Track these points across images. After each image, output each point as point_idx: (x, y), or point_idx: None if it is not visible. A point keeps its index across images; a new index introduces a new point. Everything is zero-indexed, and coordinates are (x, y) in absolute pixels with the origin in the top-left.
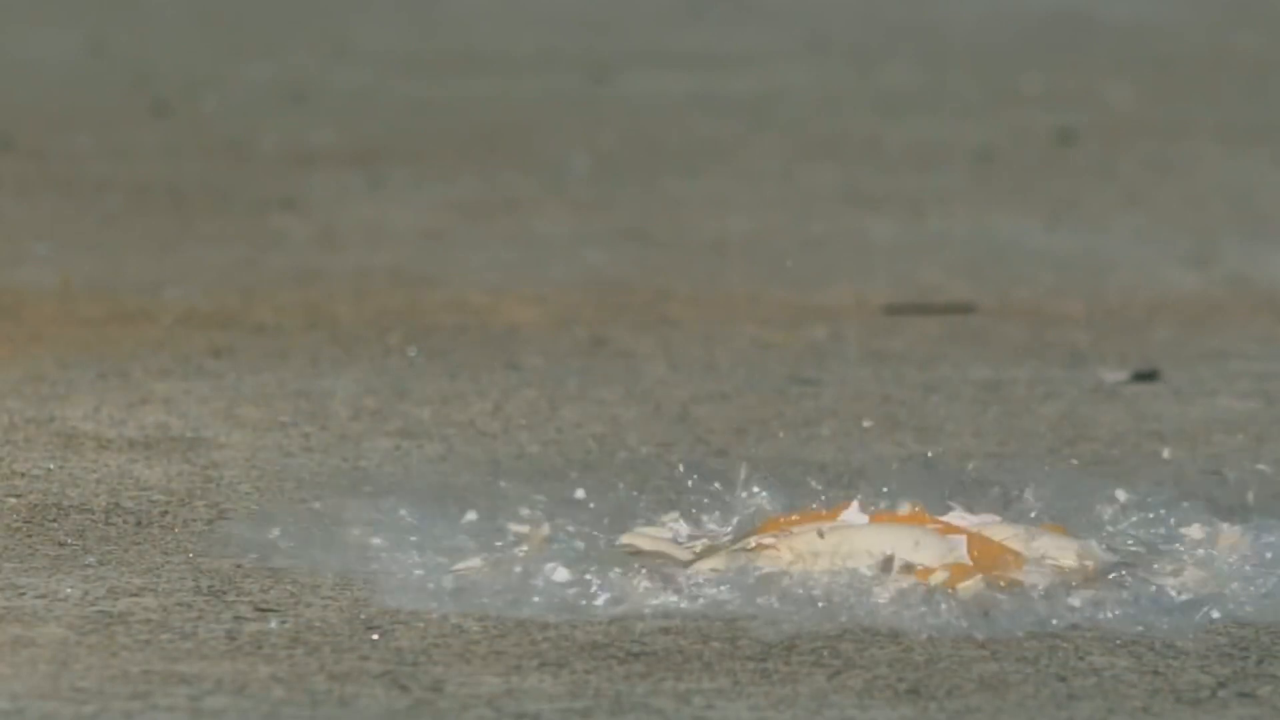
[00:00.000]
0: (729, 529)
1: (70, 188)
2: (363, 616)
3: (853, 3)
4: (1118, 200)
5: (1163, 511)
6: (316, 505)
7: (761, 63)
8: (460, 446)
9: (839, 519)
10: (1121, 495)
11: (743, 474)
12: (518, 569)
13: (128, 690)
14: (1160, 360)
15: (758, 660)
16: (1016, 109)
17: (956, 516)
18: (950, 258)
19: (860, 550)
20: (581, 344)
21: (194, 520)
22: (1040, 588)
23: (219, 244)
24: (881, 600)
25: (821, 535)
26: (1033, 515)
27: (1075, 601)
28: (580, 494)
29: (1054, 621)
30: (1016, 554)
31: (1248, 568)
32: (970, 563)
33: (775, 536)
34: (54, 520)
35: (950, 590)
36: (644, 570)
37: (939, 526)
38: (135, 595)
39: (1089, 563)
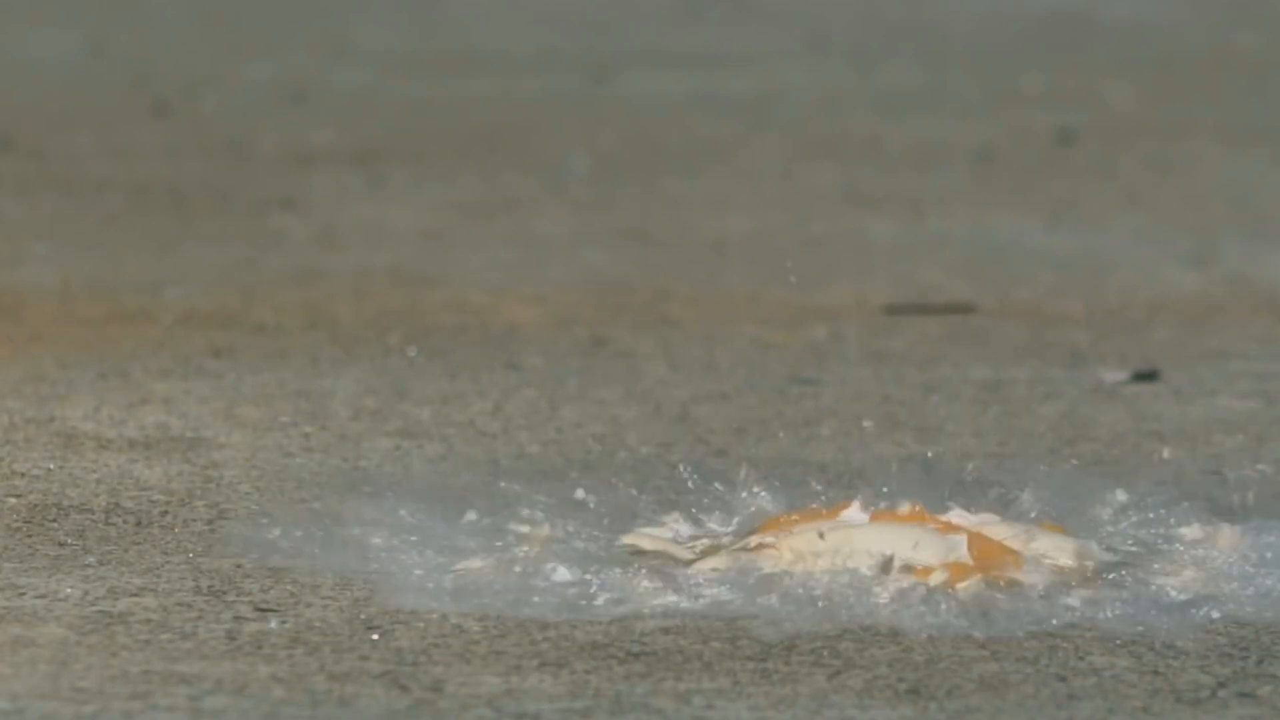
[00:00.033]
0: (730, 529)
1: (70, 188)
2: (363, 616)
3: (853, 3)
4: (1118, 200)
5: (1162, 511)
6: (316, 505)
7: (761, 63)
8: (460, 446)
9: (839, 517)
10: (1121, 495)
11: (743, 475)
12: (519, 569)
13: (128, 690)
14: (1160, 360)
15: (758, 660)
16: (1016, 109)
17: (956, 516)
18: (950, 258)
19: (860, 550)
20: (581, 344)
21: (194, 520)
22: (1040, 587)
23: (219, 244)
24: (881, 600)
25: (822, 536)
26: (1032, 515)
27: (1075, 601)
28: (580, 494)
29: (1054, 621)
30: (1016, 554)
31: (1247, 568)
32: (971, 561)
33: (776, 535)
34: (54, 520)
35: (950, 590)
36: (645, 570)
37: (939, 525)
38: (135, 595)
39: (1088, 563)
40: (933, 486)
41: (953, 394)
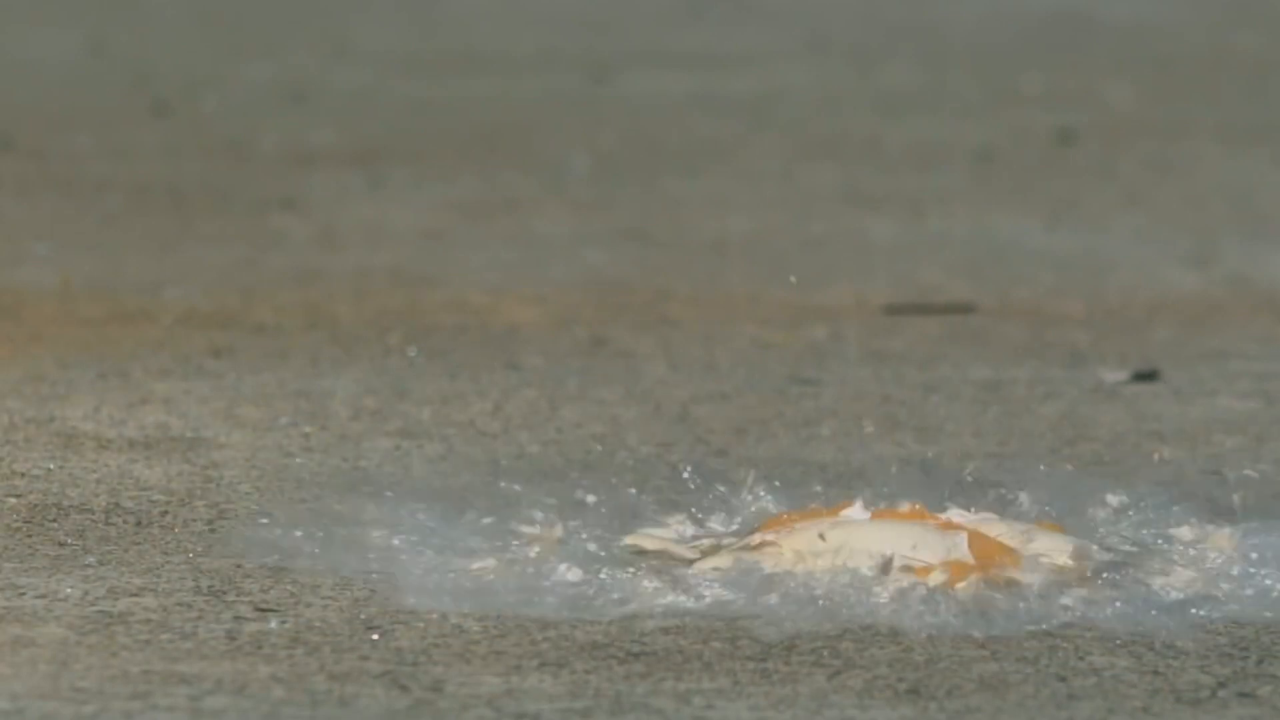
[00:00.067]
0: (733, 529)
1: (70, 188)
2: (363, 616)
3: (853, 3)
4: (1118, 200)
5: (1162, 511)
6: (316, 505)
7: (761, 63)
8: (460, 446)
9: (840, 516)
10: (1120, 495)
11: (749, 478)
12: (522, 569)
13: (128, 690)
14: (1160, 360)
15: (758, 660)
16: (1016, 109)
17: (955, 515)
18: (950, 258)
19: (861, 550)
20: (581, 344)
21: (194, 520)
22: (1039, 587)
23: (219, 244)
24: (881, 600)
25: (823, 538)
26: (1032, 515)
27: (1074, 601)
28: (579, 494)
29: (1053, 621)
30: (1015, 553)
31: (1248, 568)
32: (971, 560)
33: (777, 534)
34: (54, 520)
35: (949, 589)
36: (648, 570)
37: (939, 524)
38: (135, 595)
39: (1087, 563)
40: (932, 486)
41: (953, 394)
